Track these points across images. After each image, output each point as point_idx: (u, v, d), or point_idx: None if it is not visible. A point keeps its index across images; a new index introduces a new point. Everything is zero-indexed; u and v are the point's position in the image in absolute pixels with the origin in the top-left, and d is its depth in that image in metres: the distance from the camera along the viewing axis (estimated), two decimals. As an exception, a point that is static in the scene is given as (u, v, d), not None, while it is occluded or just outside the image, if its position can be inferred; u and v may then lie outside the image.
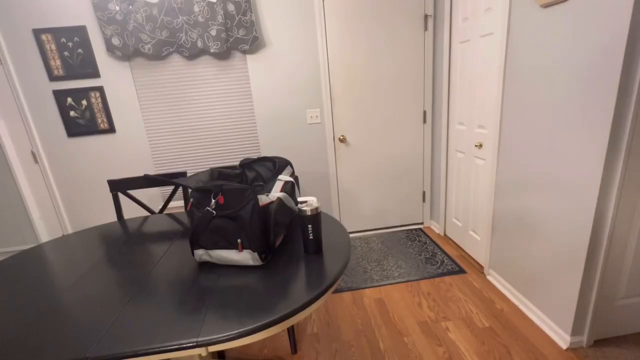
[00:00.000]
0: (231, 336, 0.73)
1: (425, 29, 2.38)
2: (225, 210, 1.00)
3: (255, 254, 1.00)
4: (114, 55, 2.16)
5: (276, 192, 1.14)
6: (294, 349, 1.55)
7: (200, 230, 1.03)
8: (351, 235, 2.77)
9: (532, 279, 1.63)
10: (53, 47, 2.12)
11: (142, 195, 2.50)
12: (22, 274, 1.12)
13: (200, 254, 1.06)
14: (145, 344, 0.72)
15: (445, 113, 2.34)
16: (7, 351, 0.74)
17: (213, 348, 0.74)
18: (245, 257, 1.02)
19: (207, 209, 1.00)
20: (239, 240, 1.00)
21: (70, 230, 2.51)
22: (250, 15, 2.14)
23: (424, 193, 2.77)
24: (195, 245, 1.05)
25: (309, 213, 1.01)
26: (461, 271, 2.10)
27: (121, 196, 2.40)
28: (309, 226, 1.03)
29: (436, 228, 2.72)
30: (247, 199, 0.99)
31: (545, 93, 1.41)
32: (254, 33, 2.17)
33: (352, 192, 2.69)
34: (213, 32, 2.12)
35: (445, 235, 2.61)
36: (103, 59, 2.18)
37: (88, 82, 2.21)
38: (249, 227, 0.99)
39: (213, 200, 1.00)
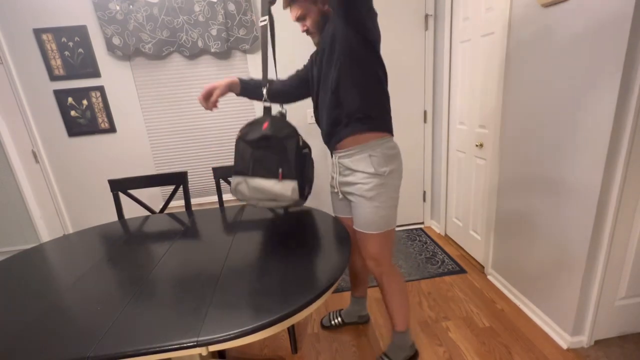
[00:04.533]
0: (231, 336, 0.73)
1: (426, 28, 2.38)
2: (271, 141, 1.02)
3: (296, 183, 1.01)
4: (115, 54, 2.16)
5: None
6: (295, 348, 1.55)
7: (244, 156, 1.05)
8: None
9: (532, 279, 1.63)
10: (54, 46, 2.12)
11: (142, 194, 2.51)
12: (22, 274, 1.12)
13: (238, 181, 1.05)
14: (145, 344, 0.73)
15: (446, 113, 2.34)
16: (7, 351, 0.74)
17: (213, 348, 0.74)
18: (285, 187, 1.01)
19: (256, 132, 1.03)
20: (280, 170, 1.01)
21: (71, 230, 2.51)
22: (251, 15, 2.14)
23: (424, 193, 2.77)
24: (234, 174, 1.07)
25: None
26: (462, 271, 2.09)
27: (122, 196, 2.40)
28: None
29: (437, 228, 2.72)
30: (293, 133, 1.03)
31: (546, 93, 1.41)
32: (255, 32, 2.17)
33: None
34: (214, 32, 2.12)
35: (445, 235, 2.61)
36: (104, 59, 2.18)
37: (89, 82, 2.21)
38: (292, 158, 1.01)
39: (262, 127, 1.03)
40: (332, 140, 1.19)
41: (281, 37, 2.26)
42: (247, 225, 1.37)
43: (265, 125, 1.02)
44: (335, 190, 1.31)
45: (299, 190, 1.01)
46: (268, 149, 1.02)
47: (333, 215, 1.39)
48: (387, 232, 1.21)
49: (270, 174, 1.02)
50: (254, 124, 1.09)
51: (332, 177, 1.32)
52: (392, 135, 1.19)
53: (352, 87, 1.08)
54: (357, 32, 1.02)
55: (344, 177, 1.23)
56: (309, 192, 1.17)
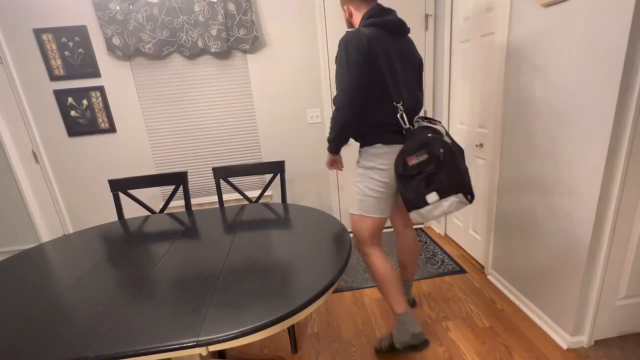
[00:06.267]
0: (231, 336, 0.74)
1: (426, 28, 2.38)
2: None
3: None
4: (115, 54, 2.16)
5: None
6: (295, 348, 1.55)
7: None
8: (351, 234, 2.76)
9: (532, 279, 1.63)
10: (54, 46, 2.12)
11: (142, 194, 2.51)
12: (22, 274, 1.12)
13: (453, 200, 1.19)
14: (145, 344, 0.73)
15: (446, 112, 2.34)
16: (7, 351, 0.74)
17: (213, 347, 0.74)
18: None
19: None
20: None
21: (71, 230, 2.51)
22: (251, 15, 2.14)
23: (424, 193, 2.77)
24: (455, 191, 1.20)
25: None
26: (462, 271, 2.09)
27: (122, 196, 2.40)
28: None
29: (437, 228, 2.72)
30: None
31: (546, 93, 1.41)
32: (255, 32, 2.17)
33: (353, 191, 2.69)
34: (213, 32, 2.12)
35: (445, 235, 2.61)
36: (104, 59, 2.19)
37: (89, 82, 2.21)
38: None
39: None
40: None
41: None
42: (247, 225, 1.38)
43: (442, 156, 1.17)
44: None
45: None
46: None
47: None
48: (361, 217, 1.41)
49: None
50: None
51: None
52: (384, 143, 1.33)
53: None
54: None
55: None
56: None
